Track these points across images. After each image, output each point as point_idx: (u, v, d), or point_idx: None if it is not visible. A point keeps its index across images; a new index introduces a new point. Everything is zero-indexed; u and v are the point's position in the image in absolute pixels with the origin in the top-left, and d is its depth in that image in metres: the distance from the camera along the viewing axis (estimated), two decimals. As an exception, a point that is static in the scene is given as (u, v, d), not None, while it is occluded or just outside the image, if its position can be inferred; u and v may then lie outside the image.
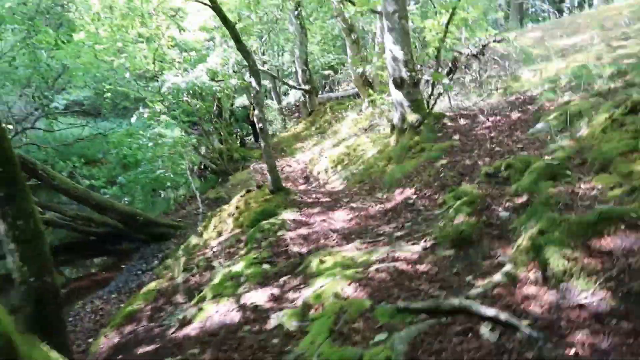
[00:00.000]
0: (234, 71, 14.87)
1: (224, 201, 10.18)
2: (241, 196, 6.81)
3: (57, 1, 9.47)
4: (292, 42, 18.93)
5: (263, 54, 20.64)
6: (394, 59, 6.61)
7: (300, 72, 17.37)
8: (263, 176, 10.44)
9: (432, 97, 6.92)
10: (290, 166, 11.08)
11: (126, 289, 6.62)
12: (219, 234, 6.10)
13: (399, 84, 6.60)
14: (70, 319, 5.81)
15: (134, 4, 8.52)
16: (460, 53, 11.01)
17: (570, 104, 5.39)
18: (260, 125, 5.99)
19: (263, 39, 16.64)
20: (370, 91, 10.55)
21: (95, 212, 8.65)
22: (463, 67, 10.37)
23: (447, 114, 6.90)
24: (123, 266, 7.72)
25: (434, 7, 7.68)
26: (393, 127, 7.19)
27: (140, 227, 8.67)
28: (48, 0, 9.98)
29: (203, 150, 13.30)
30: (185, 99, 12.21)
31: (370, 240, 3.91)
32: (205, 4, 6.01)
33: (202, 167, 13.77)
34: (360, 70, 10.57)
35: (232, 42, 13.54)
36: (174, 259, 6.61)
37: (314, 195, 6.12)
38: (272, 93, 21.70)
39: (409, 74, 6.55)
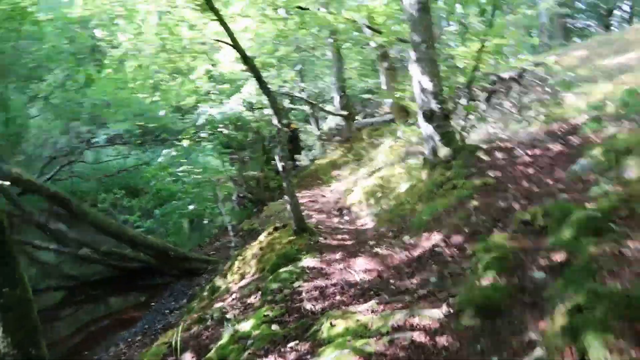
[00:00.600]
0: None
1: (256, 233, 9.99)
2: (267, 234, 6.57)
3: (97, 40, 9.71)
4: (329, 69, 18.88)
5: (301, 81, 20.69)
6: (423, 90, 6.23)
7: (337, 98, 17.21)
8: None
9: (465, 129, 6.47)
10: (325, 196, 10.79)
11: (152, 331, 6.45)
12: (242, 276, 5.85)
13: (429, 116, 6.20)
14: (94, 364, 5.70)
15: (165, 42, 8.59)
16: (500, 77, 10.48)
17: (616, 137, 4.84)
18: (283, 164, 5.74)
19: (297, 67, 16.54)
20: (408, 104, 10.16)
21: (128, 247, 8.63)
22: (501, 91, 9.85)
23: (483, 146, 6.43)
24: (152, 304, 7.59)
25: (467, 31, 7.27)
26: (425, 160, 6.78)
27: (172, 263, 8.57)
28: (90, 41, 10.22)
29: (239, 179, 13.25)
30: (220, 129, 12.22)
31: (389, 300, 3.52)
32: (226, 43, 5.87)
33: (240, 195, 13.72)
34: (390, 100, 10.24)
35: (268, 72, 13.58)
36: (199, 301, 6.41)
37: (339, 237, 5.78)
38: (311, 119, 21.62)
39: (439, 106, 6.15)
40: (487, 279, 3.25)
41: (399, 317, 3.16)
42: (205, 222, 11.26)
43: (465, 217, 4.63)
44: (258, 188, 12.77)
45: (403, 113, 12.08)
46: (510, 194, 4.76)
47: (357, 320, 3.25)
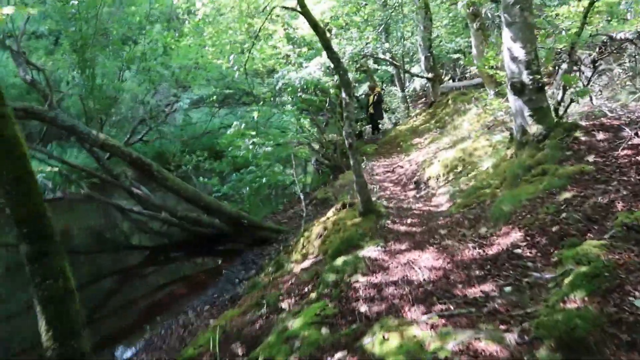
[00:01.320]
0: (354, 60, 14.28)
1: (329, 204, 9.73)
2: (335, 211, 6.24)
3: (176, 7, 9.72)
4: (416, 27, 17.72)
5: (386, 40, 19.69)
6: (513, 58, 5.41)
7: (423, 59, 16.16)
8: (370, 180, 9.77)
9: (562, 104, 5.58)
10: (402, 167, 10.22)
11: (220, 301, 6.48)
12: (304, 257, 5.61)
13: (519, 89, 5.40)
14: (162, 331, 5.82)
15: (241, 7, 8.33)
16: (611, 38, 9.14)
17: None
18: (350, 141, 5.30)
19: (380, 29, 15.63)
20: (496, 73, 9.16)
21: (204, 213, 8.75)
22: (612, 54, 8.54)
23: (583, 123, 5.53)
24: (224, 271, 7.66)
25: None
26: (512, 137, 6.00)
27: (244, 230, 8.58)
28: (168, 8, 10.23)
29: (317, 146, 12.98)
30: (299, 93, 11.93)
31: (452, 313, 3.06)
32: (294, 10, 5.43)
33: (317, 161, 13.49)
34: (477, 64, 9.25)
35: (349, 33, 12.94)
36: (264, 275, 6.31)
37: (408, 221, 5.30)
38: (396, 80, 20.62)
39: (531, 77, 5.32)
40: (573, 301, 2.68)
41: (462, 338, 2.71)
42: (281, 189, 11.19)
43: (553, 213, 3.96)
44: (335, 154, 12.42)
45: (493, 78, 11.00)
46: (613, 187, 3.99)
47: (414, 337, 2.84)
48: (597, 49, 7.95)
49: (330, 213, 6.37)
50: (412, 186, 8.95)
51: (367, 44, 13.05)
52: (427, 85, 17.58)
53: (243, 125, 9.55)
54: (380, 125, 17.04)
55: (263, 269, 6.82)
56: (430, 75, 16.00)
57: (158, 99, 13.16)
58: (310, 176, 14.07)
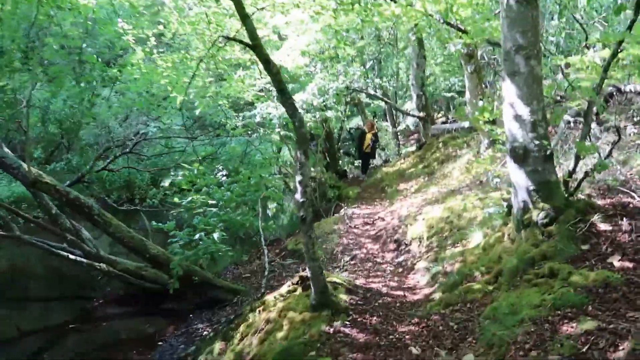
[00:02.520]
0: (343, 95, 13.17)
1: (298, 257, 8.43)
2: (284, 294, 4.93)
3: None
4: (408, 64, 16.72)
5: (378, 76, 18.70)
6: (516, 117, 4.20)
7: (415, 97, 15.07)
8: (346, 232, 8.49)
9: (573, 176, 4.35)
10: (384, 219, 8.93)
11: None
12: (240, 356, 4.27)
13: (521, 156, 4.17)
14: None
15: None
16: (618, 90, 8.01)
17: None
18: (303, 214, 4.03)
19: (369, 65, 14.57)
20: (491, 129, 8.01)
21: (150, 266, 7.42)
22: (623, 108, 7.41)
23: (598, 202, 4.30)
24: (160, 343, 6.29)
25: (586, 37, 5.03)
26: (509, 210, 4.75)
27: (196, 288, 7.24)
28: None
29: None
30: (278, 130, 10.74)
31: None
32: (245, 44, 4.21)
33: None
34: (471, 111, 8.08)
35: (335, 68, 11.80)
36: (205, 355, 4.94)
37: (373, 320, 3.99)
38: (387, 116, 19.50)
39: (537, 142, 4.10)
40: None
41: None
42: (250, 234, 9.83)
43: (570, 353, 2.67)
44: (314, 195, 11.14)
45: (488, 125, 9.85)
46: (657, 321, 2.71)
47: None
48: (604, 101, 6.82)
49: (284, 289, 5.06)
50: (392, 246, 7.67)
51: (353, 79, 11.91)
52: (417, 123, 16.50)
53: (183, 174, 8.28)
54: (371, 165, 15.78)
55: (201, 350, 5.45)
56: (421, 114, 14.89)
57: (127, 126, 11.92)
58: (287, 218, 12.74)
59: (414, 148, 16.70)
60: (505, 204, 4.89)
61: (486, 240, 4.93)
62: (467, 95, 10.00)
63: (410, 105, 19.26)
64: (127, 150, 11.82)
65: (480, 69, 9.97)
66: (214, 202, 8.03)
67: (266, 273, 7.47)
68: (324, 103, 11.59)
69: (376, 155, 16.36)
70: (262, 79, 10.55)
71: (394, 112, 19.04)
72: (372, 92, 15.41)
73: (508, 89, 4.25)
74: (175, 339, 6.30)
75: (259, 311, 4.84)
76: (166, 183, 8.92)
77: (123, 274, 7.38)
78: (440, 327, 3.66)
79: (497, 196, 6.69)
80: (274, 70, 4.11)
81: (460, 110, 8.46)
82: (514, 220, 4.39)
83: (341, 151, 19.80)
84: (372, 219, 9.16)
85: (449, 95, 19.37)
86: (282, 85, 4.07)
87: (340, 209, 10.81)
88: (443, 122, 17.36)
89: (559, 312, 3.06)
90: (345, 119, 18.17)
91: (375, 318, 4.01)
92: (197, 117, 11.03)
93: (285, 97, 4.11)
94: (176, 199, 9.47)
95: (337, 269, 6.81)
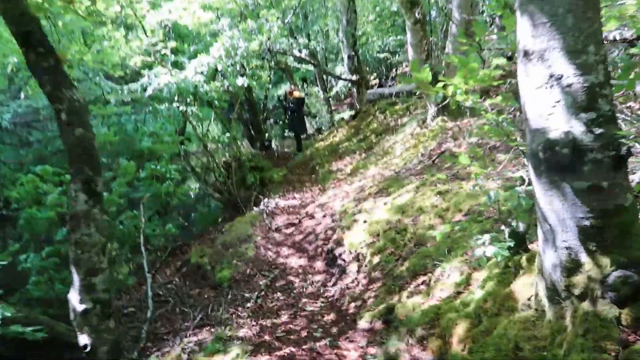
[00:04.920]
0: (261, 58, 10.59)
1: (203, 275, 6.03)
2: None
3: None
4: (338, 22, 14.22)
5: (307, 37, 16.11)
6: (550, 81, 1.95)
7: (346, 59, 12.72)
8: (265, 243, 6.12)
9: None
10: (314, 216, 6.65)
11: None
12: None
13: (565, 162, 1.94)
14: None
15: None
16: None
17: None
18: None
19: (289, 19, 11.91)
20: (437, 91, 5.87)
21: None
22: None
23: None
24: None
25: None
26: (519, 245, 2.58)
27: (36, 351, 4.67)
28: None
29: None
30: (175, 104, 8.01)
31: None
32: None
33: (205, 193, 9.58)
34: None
35: (246, 24, 9.11)
36: None
37: None
38: (317, 80, 16.99)
39: (598, 132, 1.88)
40: None
41: None
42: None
43: None
44: (227, 184, 8.63)
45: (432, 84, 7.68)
46: None
47: None
48: None
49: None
50: (322, 264, 5.42)
51: (272, 39, 9.29)
52: (351, 87, 14.18)
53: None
54: (303, 137, 13.27)
55: None
56: (354, 77, 12.60)
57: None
58: (206, 210, 10.14)
59: (347, 114, 14.52)
60: (505, 230, 2.70)
61: (477, 300, 2.73)
62: (410, 52, 7.74)
63: (340, 70, 16.89)
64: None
65: (424, 17, 7.69)
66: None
67: (149, 314, 5.03)
68: (245, 69, 9.00)
69: (306, 127, 13.96)
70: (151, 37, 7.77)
71: (324, 76, 16.56)
72: (298, 54, 12.84)
73: (525, 27, 1.98)
74: None
75: None
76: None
77: None
78: None
79: (464, 188, 4.58)
80: None
81: (406, 78, 6.24)
82: (545, 280, 2.19)
83: (270, 120, 17.27)
84: (298, 217, 6.84)
85: (382, 56, 17.12)
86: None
87: (262, 198, 8.42)
88: (379, 86, 15.13)
89: None
90: (270, 87, 15.53)
91: None
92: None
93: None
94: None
95: (236, 316, 4.47)
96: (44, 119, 8.64)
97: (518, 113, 3.04)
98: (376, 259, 4.47)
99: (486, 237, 2.66)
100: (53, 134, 8.96)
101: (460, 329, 2.59)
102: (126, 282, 6.30)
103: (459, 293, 3.02)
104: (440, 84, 2.83)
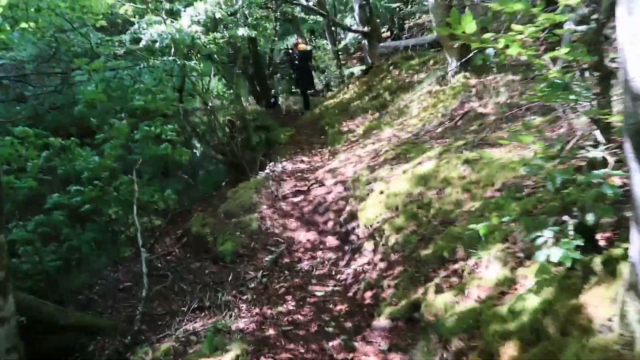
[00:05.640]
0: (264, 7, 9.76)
1: (204, 246, 5.54)
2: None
3: None
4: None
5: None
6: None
7: (357, 9, 11.72)
8: (271, 215, 5.55)
9: None
10: (324, 183, 6.05)
11: None
12: None
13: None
14: None
15: None
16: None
17: None
18: None
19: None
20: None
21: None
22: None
23: None
24: None
25: None
26: (587, 243, 2.00)
27: (32, 334, 4.25)
28: None
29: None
30: (172, 58, 7.28)
31: None
32: None
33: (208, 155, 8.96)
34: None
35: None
36: None
37: None
38: (326, 33, 15.89)
39: None
40: None
41: None
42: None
43: None
44: (230, 145, 8.01)
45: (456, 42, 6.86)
46: None
47: None
48: None
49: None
50: (334, 235, 4.89)
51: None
52: (362, 40, 13.18)
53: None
54: (310, 94, 12.39)
55: None
56: (366, 29, 11.63)
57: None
58: (211, 169, 9.58)
59: (357, 69, 13.61)
60: (569, 222, 2.09)
61: (533, 311, 2.15)
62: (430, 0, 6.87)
63: (350, 21, 15.77)
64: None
65: (450, -42, 6.76)
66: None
67: (144, 293, 4.57)
68: (247, 19, 8.19)
69: (314, 83, 13.09)
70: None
71: (333, 28, 15.47)
72: (305, 3, 11.85)
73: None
74: None
75: None
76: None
77: None
78: None
79: (499, 157, 3.94)
80: None
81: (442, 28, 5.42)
82: (639, 299, 1.61)
83: (277, 75, 16.39)
84: (306, 183, 6.25)
85: (394, 5, 15.91)
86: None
87: (268, 161, 7.83)
88: (392, 39, 14.10)
89: None
90: (276, 39, 14.56)
91: None
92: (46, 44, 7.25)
93: None
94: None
95: (237, 299, 3.98)
96: (30, 72, 7.92)
97: (587, 72, 2.34)
98: (395, 238, 3.91)
99: (547, 233, 2.06)
100: (50, 89, 8.29)
101: (510, 348, 2.04)
102: (123, 254, 5.83)
103: (502, 294, 2.46)
104: (487, 35, 2.15)
